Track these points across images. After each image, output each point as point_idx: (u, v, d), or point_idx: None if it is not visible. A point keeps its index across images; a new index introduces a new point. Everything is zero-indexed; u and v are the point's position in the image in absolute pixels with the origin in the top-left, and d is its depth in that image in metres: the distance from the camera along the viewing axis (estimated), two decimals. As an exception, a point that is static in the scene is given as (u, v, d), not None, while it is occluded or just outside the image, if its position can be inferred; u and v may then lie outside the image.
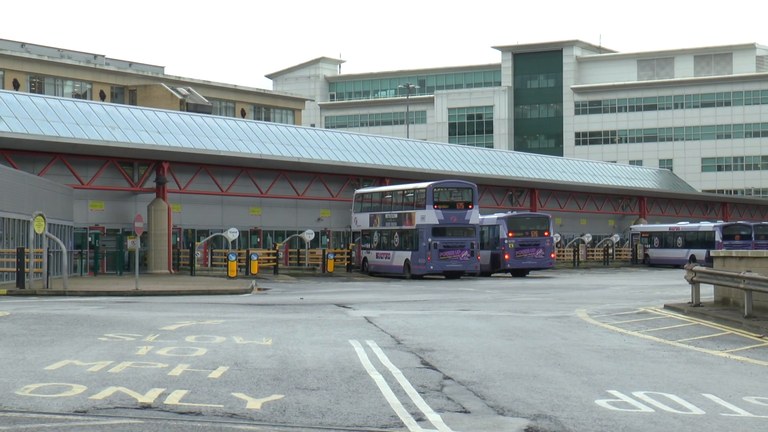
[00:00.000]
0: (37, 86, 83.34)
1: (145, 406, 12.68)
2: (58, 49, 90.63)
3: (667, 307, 30.94)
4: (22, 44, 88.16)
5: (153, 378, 14.94)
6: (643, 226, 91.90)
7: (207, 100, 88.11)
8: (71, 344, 19.63)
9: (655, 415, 12.76)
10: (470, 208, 57.50)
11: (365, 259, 62.90)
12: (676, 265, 78.40)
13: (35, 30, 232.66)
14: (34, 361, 16.90)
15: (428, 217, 56.56)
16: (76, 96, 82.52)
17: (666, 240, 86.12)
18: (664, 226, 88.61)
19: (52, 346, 19.32)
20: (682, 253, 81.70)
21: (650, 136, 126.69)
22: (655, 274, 69.05)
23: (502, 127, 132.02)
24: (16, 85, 79.52)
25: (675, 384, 15.28)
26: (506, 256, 63.43)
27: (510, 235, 63.64)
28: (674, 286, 46.39)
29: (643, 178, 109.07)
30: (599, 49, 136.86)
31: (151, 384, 14.33)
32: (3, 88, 74.37)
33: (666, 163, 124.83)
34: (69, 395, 13.38)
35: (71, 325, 23.78)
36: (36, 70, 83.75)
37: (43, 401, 12.97)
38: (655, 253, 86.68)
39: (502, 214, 66.37)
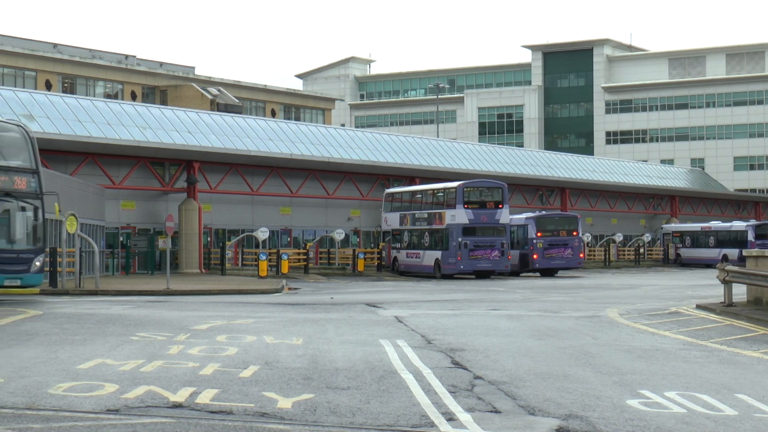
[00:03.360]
0: (69, 87, 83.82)
1: (177, 405, 12.73)
2: (90, 50, 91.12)
3: (699, 307, 30.77)
4: (55, 45, 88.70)
5: (184, 377, 14.99)
6: (675, 226, 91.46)
7: (237, 100, 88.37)
8: (103, 343, 19.72)
9: (687, 415, 12.70)
10: (500, 208, 57.43)
11: (395, 258, 62.91)
12: (708, 264, 77.96)
13: (67, 31, 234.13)
14: (66, 359, 16.99)
15: (458, 216, 56.52)
16: (108, 96, 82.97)
17: (698, 239, 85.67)
18: (696, 226, 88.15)
19: (84, 345, 19.42)
20: (714, 253, 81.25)
21: (682, 135, 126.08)
22: (687, 273, 68.72)
23: (533, 127, 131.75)
24: (48, 86, 80.00)
25: (707, 384, 15.20)
26: (535, 256, 63.33)
27: (539, 234, 63.53)
28: (706, 285, 46.14)
29: (675, 178, 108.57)
30: (630, 47, 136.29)
31: (183, 383, 14.38)
32: (36, 88, 74.82)
33: (698, 162, 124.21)
34: (101, 394, 13.45)
35: (103, 324, 23.89)
36: (68, 71, 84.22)
37: (75, 400, 13.04)
38: (687, 252, 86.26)
39: (530, 214, 66.28)
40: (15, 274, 32.43)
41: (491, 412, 12.79)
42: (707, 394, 14.17)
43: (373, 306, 31.71)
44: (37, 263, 33.35)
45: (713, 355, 18.99)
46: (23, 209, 33.29)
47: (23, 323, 23.90)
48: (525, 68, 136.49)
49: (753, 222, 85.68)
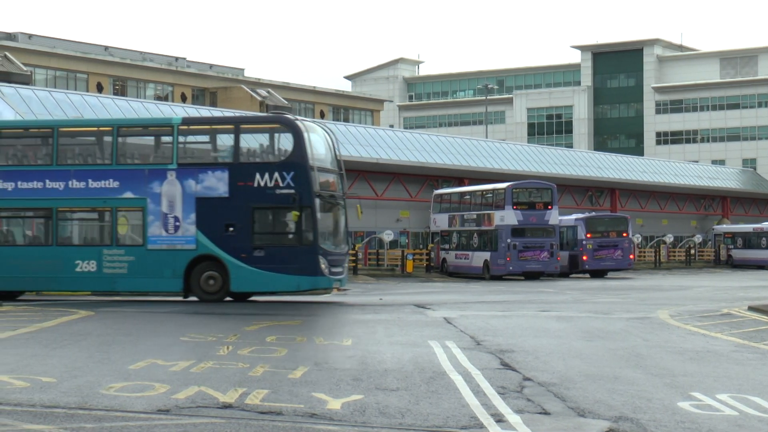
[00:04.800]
0: (120, 89, 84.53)
1: (227, 406, 12.79)
2: (141, 52, 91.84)
3: (751, 308, 30.49)
4: (106, 48, 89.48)
5: (234, 378, 15.06)
6: (726, 227, 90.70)
7: (286, 102, 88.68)
8: (154, 344, 19.86)
9: (739, 418, 12.58)
10: (549, 209, 57.25)
11: (444, 259, 62.87)
12: (760, 266, 77.30)
13: (118, 34, 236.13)
14: (118, 360, 17.13)
15: (507, 217, 56.40)
16: (158, 98, 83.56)
17: (750, 240, 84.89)
18: (748, 227, 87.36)
19: (135, 345, 19.56)
20: (766, 254, 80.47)
21: (733, 135, 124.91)
22: (739, 275, 68.11)
23: (582, 127, 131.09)
24: (99, 88, 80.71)
25: (760, 387, 15.05)
26: (584, 257, 63.07)
27: (588, 236, 63.26)
28: (759, 287, 45.74)
29: (726, 178, 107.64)
30: (681, 47, 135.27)
31: (233, 384, 14.45)
32: (87, 91, 75.49)
33: (749, 163, 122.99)
34: (152, 394, 13.54)
35: (154, 325, 24.05)
36: (119, 73, 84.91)
37: (127, 400, 13.14)
38: (739, 253, 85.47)
39: (579, 215, 66.04)
40: (338, 276, 33.12)
41: (540, 413, 12.75)
42: (760, 397, 14.03)
43: (422, 307, 31.68)
44: (345, 264, 34.28)
45: (766, 357, 18.81)
46: (339, 211, 33.84)
47: (76, 323, 24.12)
48: (574, 69, 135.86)
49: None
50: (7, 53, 70.18)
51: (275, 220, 32.24)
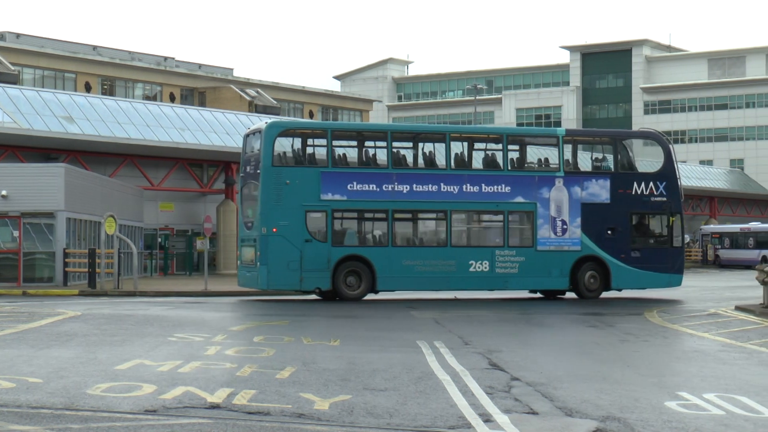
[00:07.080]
0: (109, 89, 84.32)
1: (214, 406, 12.77)
2: (129, 52, 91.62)
3: (738, 308, 30.57)
4: (94, 47, 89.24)
5: (222, 378, 15.04)
6: (714, 227, 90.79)
7: (275, 102, 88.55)
8: (141, 344, 19.82)
9: (726, 417, 12.61)
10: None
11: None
12: (747, 266, 77.27)
13: (107, 33, 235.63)
14: (105, 360, 17.09)
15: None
16: (147, 98, 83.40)
17: (737, 241, 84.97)
18: (735, 227, 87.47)
19: (122, 345, 19.52)
20: (753, 254, 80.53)
21: (721, 136, 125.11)
22: (726, 275, 68.22)
23: (571, 127, 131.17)
24: (87, 88, 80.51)
25: (746, 386, 15.09)
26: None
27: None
28: (745, 287, 45.79)
29: (714, 178, 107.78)
30: (669, 48, 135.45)
31: (220, 384, 14.43)
32: (75, 90, 75.29)
33: (737, 163, 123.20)
34: (139, 395, 13.52)
35: (141, 325, 24.01)
36: (107, 73, 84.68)
37: (113, 400, 13.11)
38: (726, 253, 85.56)
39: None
40: None
41: (528, 413, 12.76)
42: (746, 396, 14.07)
43: (412, 308, 31.69)
44: None
45: (753, 357, 18.85)
46: None
47: (62, 324, 24.07)
48: (563, 69, 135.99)
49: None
50: (-6, 53, 69.96)
51: (649, 225, 36.68)
